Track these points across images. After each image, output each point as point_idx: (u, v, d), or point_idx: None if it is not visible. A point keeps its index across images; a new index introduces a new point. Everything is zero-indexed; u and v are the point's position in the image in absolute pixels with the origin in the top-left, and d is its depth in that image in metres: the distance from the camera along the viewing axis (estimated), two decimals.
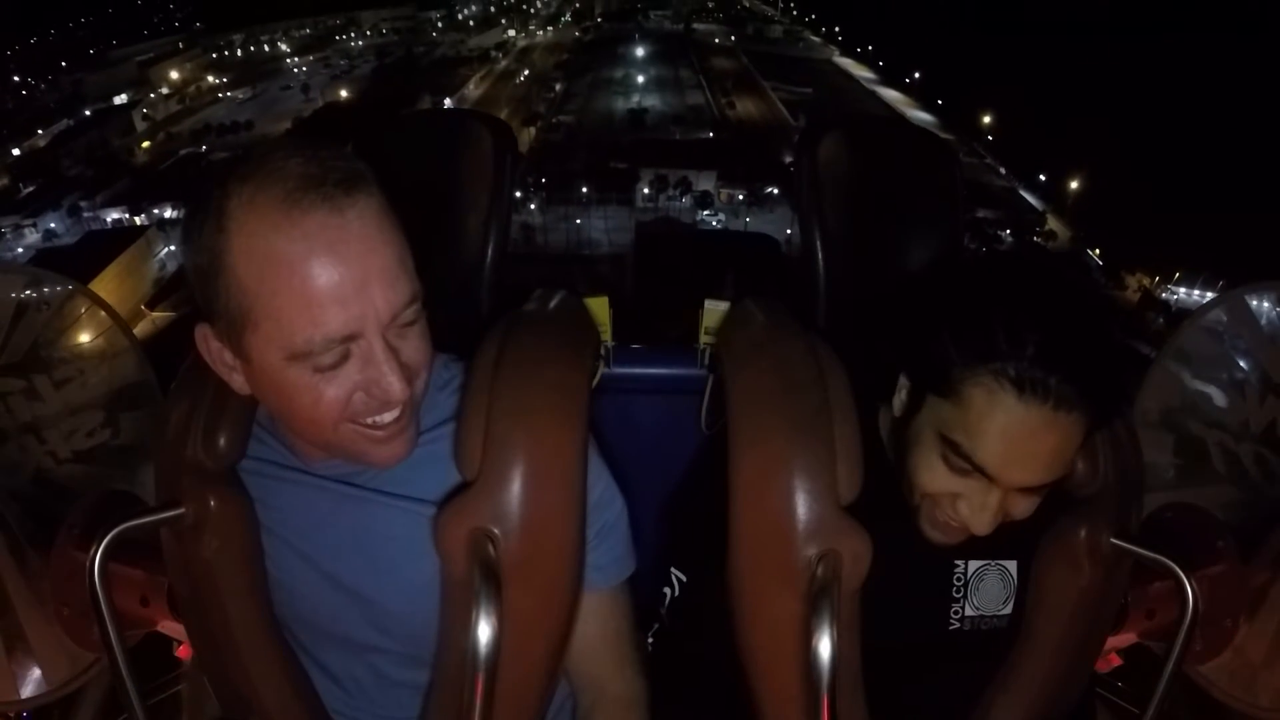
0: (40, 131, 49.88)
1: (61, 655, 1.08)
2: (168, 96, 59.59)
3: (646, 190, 42.43)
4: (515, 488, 0.80)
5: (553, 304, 0.98)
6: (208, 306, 0.73)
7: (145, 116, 54.40)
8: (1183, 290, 32.54)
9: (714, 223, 39.98)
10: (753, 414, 0.85)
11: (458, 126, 1.16)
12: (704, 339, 1.18)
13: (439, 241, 1.10)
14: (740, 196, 41.87)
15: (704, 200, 41.59)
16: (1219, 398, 1.20)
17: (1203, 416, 1.21)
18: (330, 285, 0.68)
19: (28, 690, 1.08)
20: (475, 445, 0.81)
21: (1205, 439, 1.21)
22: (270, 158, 0.69)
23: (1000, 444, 0.77)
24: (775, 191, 40.64)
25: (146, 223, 37.44)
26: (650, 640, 1.03)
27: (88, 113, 53.50)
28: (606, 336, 1.12)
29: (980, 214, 39.07)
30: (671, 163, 43.59)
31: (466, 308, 1.09)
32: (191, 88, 63.25)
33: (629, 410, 1.32)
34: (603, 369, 1.05)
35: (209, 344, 0.76)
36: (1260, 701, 1.09)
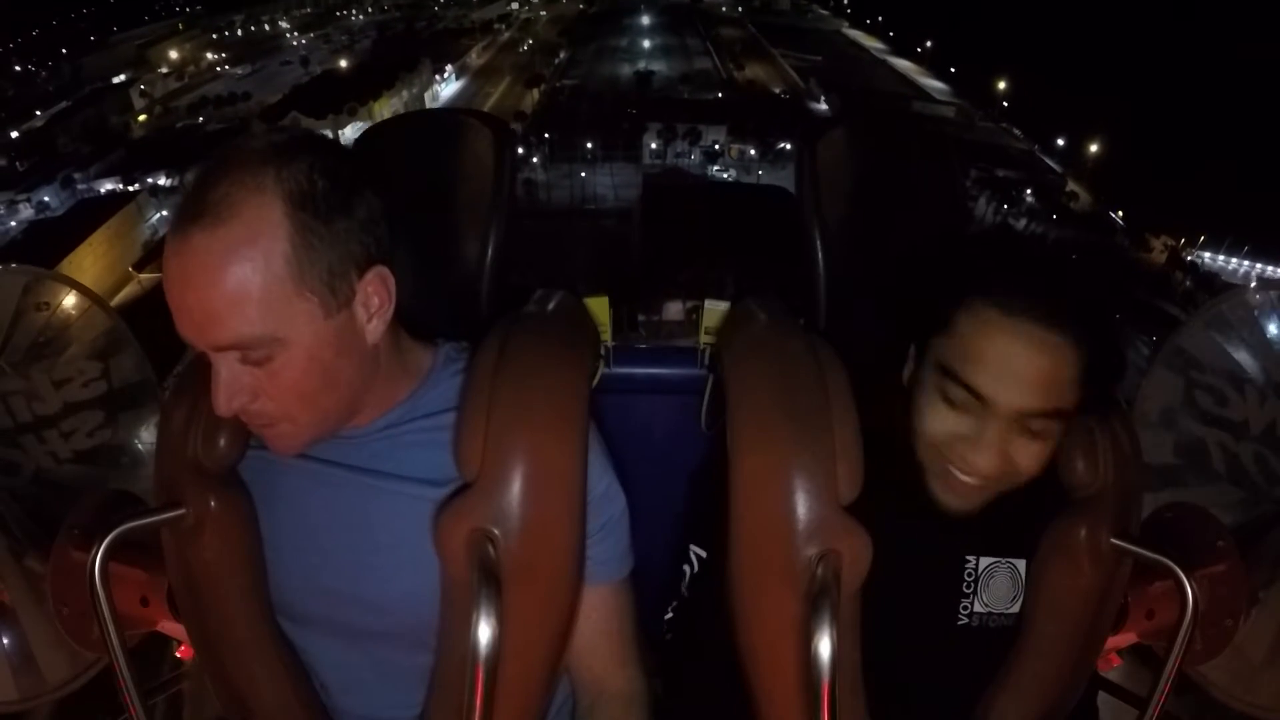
0: (39, 113, 49.16)
1: (61, 655, 1.08)
2: (166, 75, 58.41)
3: (654, 145, 41.12)
4: (515, 488, 0.80)
5: (553, 305, 0.98)
6: None
7: (143, 94, 53.31)
8: (1207, 255, 32.37)
9: (725, 177, 38.86)
10: (753, 414, 0.85)
11: (458, 126, 1.15)
12: (704, 339, 1.18)
13: (439, 241, 1.09)
14: (751, 151, 40.68)
15: (713, 154, 40.43)
16: (1219, 398, 1.20)
17: (1203, 416, 1.21)
18: (173, 299, 0.73)
19: (28, 690, 1.08)
20: (475, 446, 0.81)
21: (1205, 439, 1.21)
22: (215, 161, 0.74)
23: (991, 363, 0.80)
24: (788, 147, 39.20)
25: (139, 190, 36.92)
26: (669, 616, 1.03)
27: (86, 92, 52.71)
28: (606, 336, 1.12)
29: (1001, 174, 38.69)
30: (679, 120, 42.28)
31: (466, 308, 1.09)
32: (190, 67, 62.24)
33: (629, 410, 1.32)
34: (603, 369, 1.05)
35: None
36: (1260, 701, 1.09)
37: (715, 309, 1.15)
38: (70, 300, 1.21)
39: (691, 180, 36.99)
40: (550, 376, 0.85)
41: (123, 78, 56.13)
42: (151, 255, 30.69)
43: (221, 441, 0.86)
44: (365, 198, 0.78)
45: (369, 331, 0.81)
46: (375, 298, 0.80)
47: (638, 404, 1.32)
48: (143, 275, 28.74)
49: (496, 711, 0.78)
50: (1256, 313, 1.18)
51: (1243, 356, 1.18)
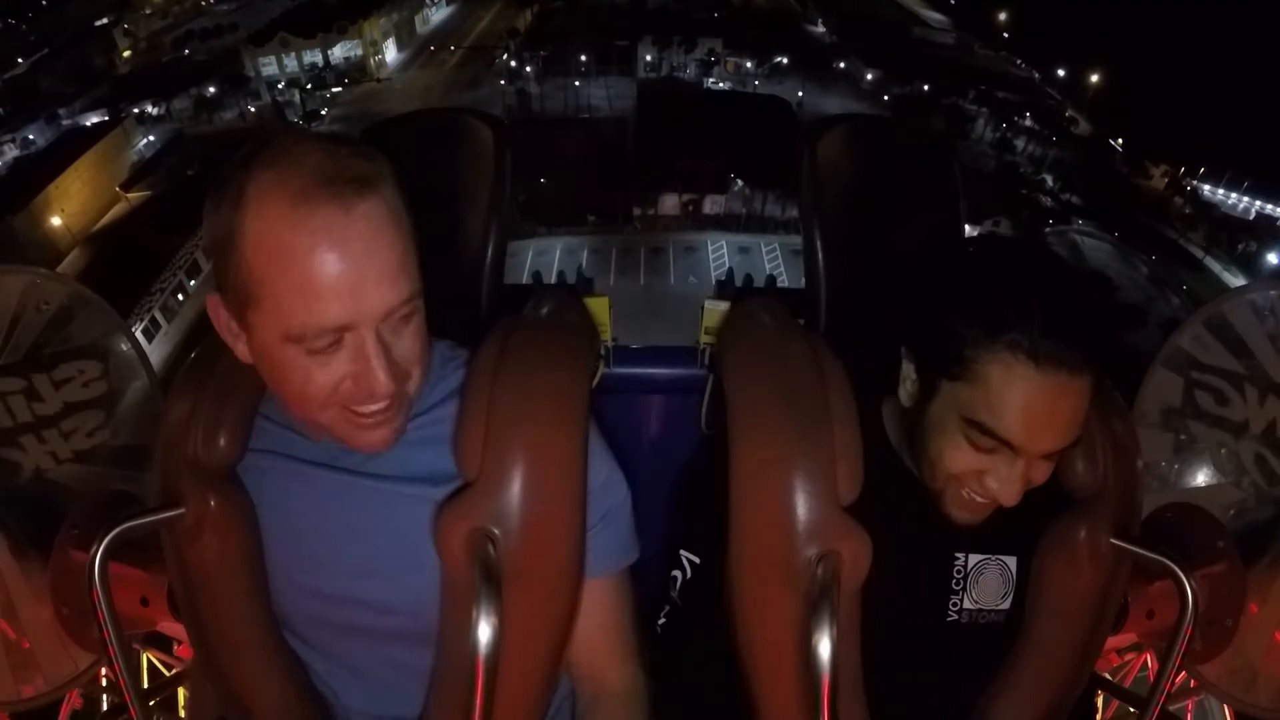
0: (20, 60, 47.38)
1: (62, 655, 1.08)
2: (149, 15, 55.98)
3: (649, 57, 39.90)
4: (515, 488, 0.80)
5: (553, 305, 0.98)
6: (220, 278, 0.76)
7: (127, 33, 51.58)
8: (1207, 188, 31.99)
9: (721, 88, 38.34)
10: (752, 414, 0.85)
11: (458, 126, 1.16)
12: (704, 339, 1.18)
13: (439, 241, 1.10)
14: (748, 64, 39.67)
15: (709, 65, 39.55)
16: (1219, 398, 1.20)
17: (1203, 416, 1.21)
18: (329, 279, 0.71)
19: (28, 690, 1.08)
20: (475, 446, 0.81)
21: (1205, 439, 1.21)
22: (292, 149, 0.73)
23: (1024, 415, 0.79)
24: (785, 61, 38.83)
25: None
26: (662, 621, 1.03)
27: (68, 36, 50.75)
28: (606, 336, 1.13)
29: (1001, 95, 37.93)
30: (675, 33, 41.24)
31: (466, 308, 1.09)
32: (175, 6, 60.41)
33: (629, 410, 1.32)
34: (603, 369, 1.05)
35: (218, 312, 0.79)
36: (1260, 702, 1.09)
37: (715, 309, 1.15)
38: (71, 300, 1.21)
39: (688, 88, 36.89)
40: (550, 376, 0.85)
41: (105, 21, 53.87)
42: (139, 176, 30.90)
43: (221, 441, 0.86)
44: None
45: None
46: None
47: (638, 404, 1.33)
48: (130, 194, 28.94)
49: (497, 710, 0.78)
50: (1256, 313, 1.18)
51: (1242, 356, 1.18)
